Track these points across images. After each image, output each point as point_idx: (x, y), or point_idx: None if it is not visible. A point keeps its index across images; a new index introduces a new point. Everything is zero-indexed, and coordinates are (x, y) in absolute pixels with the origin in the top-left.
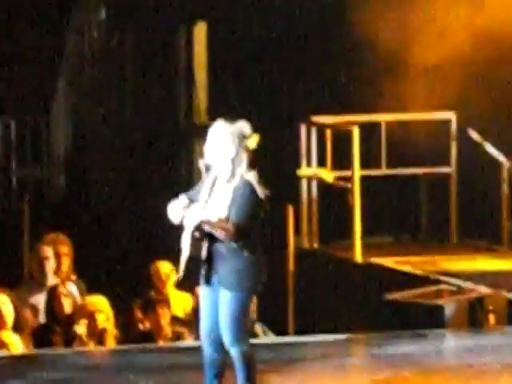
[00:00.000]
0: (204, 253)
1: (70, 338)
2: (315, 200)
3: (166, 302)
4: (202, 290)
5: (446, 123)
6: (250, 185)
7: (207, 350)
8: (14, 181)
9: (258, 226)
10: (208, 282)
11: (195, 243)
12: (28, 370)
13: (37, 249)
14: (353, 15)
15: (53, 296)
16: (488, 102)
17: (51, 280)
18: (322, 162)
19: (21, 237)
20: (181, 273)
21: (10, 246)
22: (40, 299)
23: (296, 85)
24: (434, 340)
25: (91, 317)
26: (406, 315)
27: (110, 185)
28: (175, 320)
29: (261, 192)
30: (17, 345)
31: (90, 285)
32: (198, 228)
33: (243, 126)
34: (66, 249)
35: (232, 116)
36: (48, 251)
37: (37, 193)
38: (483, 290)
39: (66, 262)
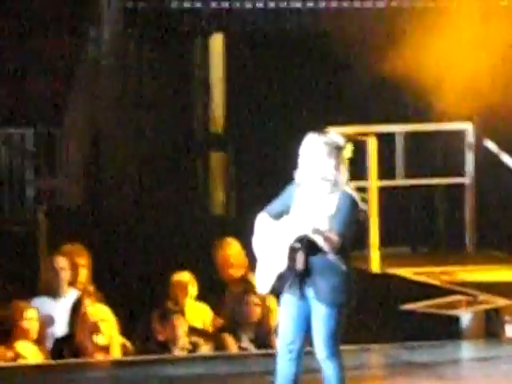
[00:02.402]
0: (301, 265)
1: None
2: None
3: (182, 313)
4: (288, 300)
5: (463, 133)
6: (351, 196)
7: (283, 362)
8: (29, 191)
9: (354, 238)
10: (297, 293)
11: (292, 255)
12: (46, 381)
13: (52, 259)
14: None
15: (79, 307)
16: (505, 112)
17: (66, 291)
18: None
19: (37, 248)
20: (267, 289)
21: (26, 257)
22: (56, 310)
23: (313, 96)
24: (450, 350)
25: (95, 326)
26: (422, 326)
27: (127, 195)
28: (192, 330)
29: (362, 206)
30: (34, 355)
31: (108, 296)
32: (300, 239)
33: (336, 136)
34: (83, 260)
35: (248, 126)
36: (63, 262)
37: (53, 203)
38: (500, 300)
39: (84, 273)
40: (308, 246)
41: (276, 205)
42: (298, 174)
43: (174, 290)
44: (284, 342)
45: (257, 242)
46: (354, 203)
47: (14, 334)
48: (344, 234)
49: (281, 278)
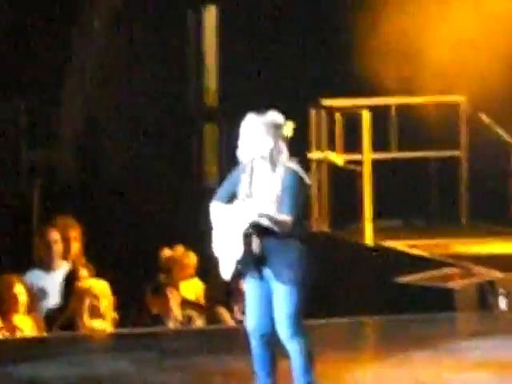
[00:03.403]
0: (256, 248)
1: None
2: (325, 183)
3: (175, 286)
4: (251, 285)
5: (457, 107)
6: (296, 173)
7: (256, 347)
8: (24, 164)
9: (305, 213)
10: (258, 276)
11: (247, 240)
12: (39, 354)
13: (45, 232)
14: None
15: (72, 279)
16: (501, 86)
17: (59, 264)
18: (331, 146)
19: (31, 221)
20: (229, 275)
21: (20, 230)
22: (48, 283)
23: (306, 68)
24: (445, 323)
25: (95, 299)
26: (416, 298)
27: (120, 168)
28: (186, 303)
29: (308, 181)
30: (29, 328)
31: (100, 269)
32: (252, 225)
33: (275, 115)
34: (75, 233)
35: (241, 99)
36: (55, 235)
37: (47, 176)
38: (494, 273)
39: (76, 246)
40: (260, 231)
41: (224, 190)
42: (240, 154)
43: (167, 263)
44: (253, 328)
45: (214, 230)
46: (298, 178)
47: (5, 308)
48: (293, 211)
49: (240, 264)
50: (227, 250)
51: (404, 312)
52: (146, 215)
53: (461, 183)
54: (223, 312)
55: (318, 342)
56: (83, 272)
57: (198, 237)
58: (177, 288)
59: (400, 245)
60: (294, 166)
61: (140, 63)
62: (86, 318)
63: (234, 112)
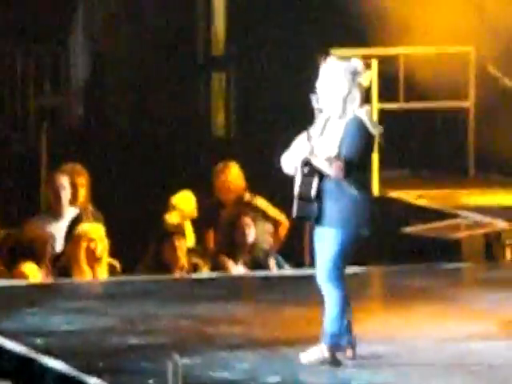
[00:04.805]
0: (313, 191)
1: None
2: None
3: (182, 234)
4: (314, 231)
5: (465, 57)
6: (360, 121)
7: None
8: (31, 110)
9: (368, 162)
10: (318, 221)
11: (305, 180)
12: (45, 299)
13: (53, 178)
14: None
15: (76, 224)
16: (508, 36)
17: (67, 209)
18: None
19: (39, 167)
20: (294, 212)
21: (27, 175)
22: (56, 228)
23: (316, 18)
24: (451, 274)
25: (92, 243)
26: (422, 249)
27: (128, 117)
28: (192, 251)
29: (372, 128)
30: (36, 274)
31: (106, 216)
32: (306, 164)
33: (356, 62)
34: (82, 179)
35: (250, 47)
36: (64, 180)
37: (55, 122)
38: (500, 224)
39: (83, 193)
40: (317, 171)
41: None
42: (316, 99)
43: (174, 211)
44: (316, 275)
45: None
46: (362, 127)
47: (20, 254)
48: (351, 158)
49: (298, 204)
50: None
51: (410, 262)
52: (154, 164)
53: (468, 134)
54: (227, 261)
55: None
56: (89, 218)
57: (205, 184)
58: (183, 236)
59: (406, 195)
60: (362, 113)
61: (147, 13)
62: (82, 262)
63: (242, 62)
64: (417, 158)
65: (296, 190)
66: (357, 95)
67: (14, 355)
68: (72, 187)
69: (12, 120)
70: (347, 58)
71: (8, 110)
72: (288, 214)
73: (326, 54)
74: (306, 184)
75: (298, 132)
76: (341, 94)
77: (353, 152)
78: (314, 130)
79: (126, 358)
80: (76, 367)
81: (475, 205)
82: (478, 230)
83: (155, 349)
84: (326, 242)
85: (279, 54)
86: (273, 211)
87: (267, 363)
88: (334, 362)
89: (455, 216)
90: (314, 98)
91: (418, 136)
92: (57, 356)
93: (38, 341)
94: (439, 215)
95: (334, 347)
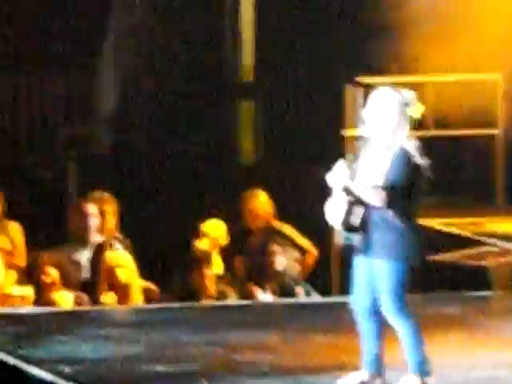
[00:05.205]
0: (358, 220)
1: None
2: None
3: (210, 261)
4: (357, 259)
5: (494, 84)
6: (407, 153)
7: (361, 323)
8: (60, 138)
9: (415, 194)
10: (365, 251)
11: (350, 208)
12: (74, 326)
13: (81, 206)
14: None
15: (98, 252)
16: None
17: (95, 238)
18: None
19: (66, 195)
20: (341, 239)
21: (56, 204)
22: (83, 256)
23: (344, 45)
24: (479, 302)
25: (110, 272)
26: (450, 277)
27: (156, 144)
28: (219, 279)
29: (419, 161)
30: (66, 301)
31: (135, 244)
32: (348, 192)
33: (409, 94)
34: (110, 207)
35: (279, 75)
36: (91, 208)
37: (84, 150)
38: None
39: (111, 221)
40: (363, 203)
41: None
42: (364, 129)
43: (205, 238)
44: (360, 304)
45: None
46: (406, 158)
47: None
48: (394, 188)
49: (343, 233)
50: (335, 217)
51: (437, 290)
52: (184, 190)
53: (497, 162)
54: (254, 289)
55: (351, 319)
56: (115, 245)
57: (235, 213)
58: (210, 263)
59: (435, 223)
60: (409, 145)
61: (176, 40)
62: (106, 289)
63: (270, 88)
64: (445, 185)
65: (340, 218)
66: (406, 127)
67: (42, 383)
68: (100, 215)
69: (42, 149)
70: (397, 88)
71: (38, 138)
72: (316, 242)
73: (353, 81)
74: (351, 212)
75: (328, 160)
76: (391, 124)
77: (397, 182)
78: (360, 158)
79: None
80: None
81: (503, 232)
82: (505, 258)
83: (183, 377)
84: (380, 274)
85: (308, 80)
86: (301, 239)
87: None
88: None
89: (483, 244)
90: (361, 126)
91: (445, 163)
92: None
93: (66, 369)
94: (467, 243)
95: (424, 374)
